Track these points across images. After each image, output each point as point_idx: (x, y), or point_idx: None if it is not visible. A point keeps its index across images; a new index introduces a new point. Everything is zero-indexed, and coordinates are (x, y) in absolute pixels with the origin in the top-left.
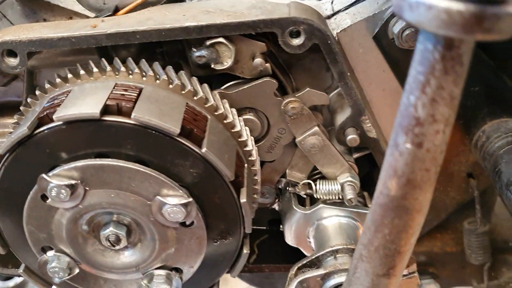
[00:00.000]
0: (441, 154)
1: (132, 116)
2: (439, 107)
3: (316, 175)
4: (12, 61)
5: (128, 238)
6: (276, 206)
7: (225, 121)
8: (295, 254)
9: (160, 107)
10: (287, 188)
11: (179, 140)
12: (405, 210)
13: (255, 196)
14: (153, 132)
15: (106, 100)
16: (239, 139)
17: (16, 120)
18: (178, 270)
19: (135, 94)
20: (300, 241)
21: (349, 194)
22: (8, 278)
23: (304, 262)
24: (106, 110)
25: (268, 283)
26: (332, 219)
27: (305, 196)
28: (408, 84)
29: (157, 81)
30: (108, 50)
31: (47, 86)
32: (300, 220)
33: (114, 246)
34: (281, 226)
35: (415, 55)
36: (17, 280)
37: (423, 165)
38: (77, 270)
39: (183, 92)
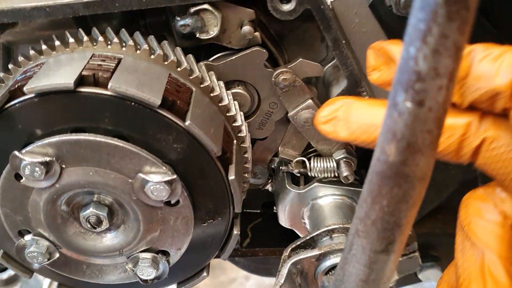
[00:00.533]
0: (444, 114)
1: (108, 87)
2: (442, 59)
3: (310, 152)
4: None
5: (110, 219)
6: (269, 187)
7: (211, 94)
8: (290, 238)
9: (139, 77)
10: (280, 167)
11: (160, 112)
12: (405, 177)
13: (246, 175)
14: (132, 104)
15: (82, 71)
16: (227, 114)
17: None
18: (165, 253)
19: (113, 64)
20: (294, 222)
21: (345, 171)
22: (2, 270)
23: (298, 243)
24: (81, 81)
25: (264, 269)
26: (328, 198)
27: (299, 175)
28: (408, 35)
29: (138, 52)
30: (88, 22)
31: (20, 59)
32: (294, 200)
33: (95, 228)
34: (274, 208)
35: (415, 0)
36: (10, 272)
37: (425, 126)
38: (57, 255)
39: (165, 63)
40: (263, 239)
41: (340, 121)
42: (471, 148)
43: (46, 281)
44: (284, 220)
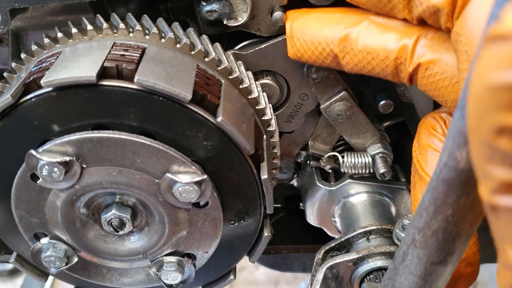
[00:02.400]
0: None
1: (134, 80)
2: None
3: (341, 146)
4: None
5: (133, 221)
6: (294, 182)
7: (240, 86)
8: (315, 234)
9: (166, 69)
10: (308, 161)
11: (190, 107)
12: (475, 185)
13: (274, 171)
14: (160, 98)
15: (104, 62)
16: (257, 107)
17: (0, 89)
18: (191, 256)
19: (137, 55)
20: (323, 220)
21: (382, 168)
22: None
23: (332, 245)
24: (103, 73)
25: (284, 263)
26: (361, 196)
27: (329, 171)
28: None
29: (162, 40)
30: (105, 6)
31: (34, 48)
32: (324, 197)
33: (117, 231)
34: (301, 204)
35: None
36: None
37: None
38: (76, 259)
39: (192, 52)
40: (286, 235)
41: None
42: (407, 73)
43: None
44: (312, 218)
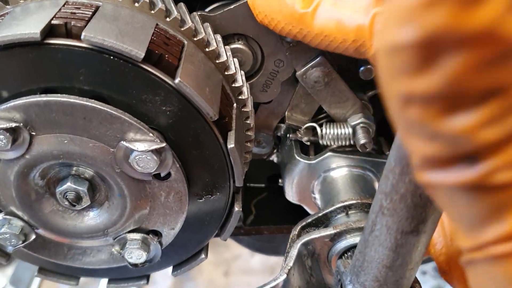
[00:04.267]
0: None
1: (81, 37)
2: None
3: (321, 118)
4: None
5: (91, 195)
6: (274, 158)
7: (206, 49)
8: (298, 215)
9: (120, 26)
10: (288, 135)
11: (145, 67)
12: None
13: (249, 144)
14: (111, 57)
15: (51, 20)
16: (226, 73)
17: None
18: (157, 233)
19: (89, 13)
20: (303, 196)
21: (363, 138)
22: None
23: (309, 220)
24: (51, 32)
25: (270, 247)
26: (342, 170)
27: (308, 143)
28: None
29: None
30: None
31: None
32: (304, 171)
33: (74, 205)
34: (280, 181)
35: None
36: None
37: None
38: (33, 236)
39: (152, 12)
40: (269, 216)
41: None
42: (370, 55)
43: None
44: (291, 194)
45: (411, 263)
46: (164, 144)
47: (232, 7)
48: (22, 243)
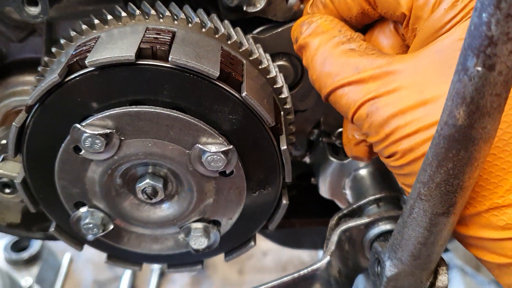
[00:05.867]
0: None
1: (169, 59)
2: None
3: None
4: (33, 10)
5: (165, 190)
6: (306, 159)
7: (260, 67)
8: (325, 210)
9: (196, 50)
10: (321, 138)
11: (218, 84)
12: (472, 140)
13: (291, 147)
14: (191, 76)
15: (140, 44)
16: (274, 86)
17: (40, 73)
18: (216, 223)
19: (169, 38)
20: (335, 192)
21: None
22: (22, 249)
23: (345, 211)
24: (140, 54)
25: (294, 240)
26: (370, 168)
27: (340, 146)
28: (480, 2)
29: (189, 25)
30: None
31: (72, 34)
32: (336, 170)
33: (150, 199)
34: (312, 179)
35: None
36: (31, 251)
37: (494, 90)
38: (111, 226)
39: (216, 36)
40: (299, 211)
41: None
42: None
43: (65, 261)
44: (324, 191)
45: (441, 240)
46: (231, 147)
47: (279, 30)
48: (102, 232)
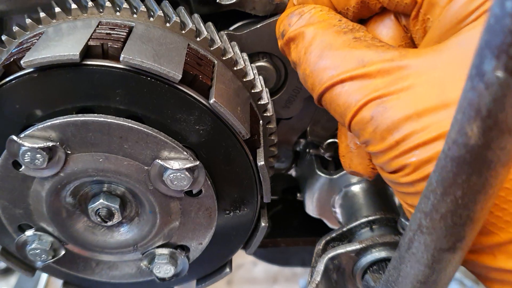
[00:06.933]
0: None
1: (120, 58)
2: None
3: None
4: None
5: (122, 211)
6: (292, 172)
7: (235, 68)
8: (314, 227)
9: (155, 48)
10: (307, 150)
11: (180, 88)
12: (487, 163)
13: (272, 160)
14: (148, 78)
15: (88, 40)
16: (252, 90)
17: None
18: (184, 248)
19: (124, 33)
20: (323, 211)
21: None
22: None
23: (333, 235)
24: (88, 53)
25: (282, 258)
26: (364, 185)
27: (329, 159)
28: None
29: (151, 19)
30: None
31: (15, 29)
32: (324, 186)
33: (106, 222)
34: (298, 195)
35: None
36: None
37: None
38: (62, 252)
39: (183, 32)
40: (284, 228)
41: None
42: None
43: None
44: (311, 208)
45: (445, 278)
46: (197, 163)
47: (258, 26)
48: (51, 259)
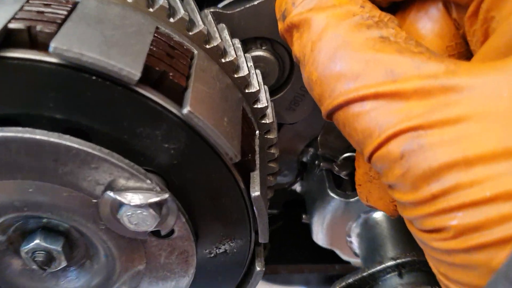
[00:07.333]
0: None
1: (50, 49)
2: None
3: None
4: None
5: (68, 254)
6: (297, 187)
7: (223, 60)
8: (324, 249)
9: (106, 32)
10: (317, 162)
11: (140, 91)
12: None
13: (271, 178)
14: (93, 77)
15: (8, 22)
16: (246, 90)
17: None
18: None
19: (64, 12)
20: (335, 240)
21: None
22: None
23: (350, 280)
24: (9, 39)
25: (282, 276)
26: None
27: (345, 177)
28: None
29: None
30: None
31: None
32: (338, 211)
33: (44, 269)
34: (304, 216)
35: None
36: None
37: None
38: None
39: (151, 9)
40: (286, 250)
41: None
42: None
43: None
44: (321, 237)
45: None
46: (166, 196)
47: (255, 3)
48: None
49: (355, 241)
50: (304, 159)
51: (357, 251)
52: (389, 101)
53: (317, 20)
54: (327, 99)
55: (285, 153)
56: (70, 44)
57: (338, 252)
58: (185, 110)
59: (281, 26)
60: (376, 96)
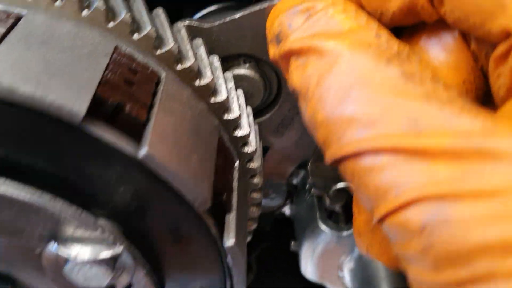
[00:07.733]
0: None
1: None
2: None
3: None
4: None
5: None
6: (286, 210)
7: (197, 83)
8: None
9: (49, 56)
10: (308, 186)
11: (87, 131)
12: None
13: (254, 209)
14: (31, 114)
15: None
16: (225, 117)
17: None
18: None
19: (2, 30)
20: (326, 274)
21: None
22: None
23: None
24: None
25: None
26: None
27: (339, 211)
28: None
29: (57, 3)
30: None
31: None
32: (330, 244)
33: None
34: (293, 243)
35: None
36: None
37: None
38: None
39: (110, 25)
40: (274, 271)
41: None
42: None
43: None
44: (310, 269)
45: None
46: (120, 249)
47: (236, 16)
48: None
49: (347, 276)
50: (294, 181)
51: (349, 286)
52: (410, 159)
53: (326, 50)
54: (334, 144)
55: (273, 175)
56: (4, 72)
57: (328, 286)
58: (142, 152)
59: (274, 50)
60: (395, 150)
